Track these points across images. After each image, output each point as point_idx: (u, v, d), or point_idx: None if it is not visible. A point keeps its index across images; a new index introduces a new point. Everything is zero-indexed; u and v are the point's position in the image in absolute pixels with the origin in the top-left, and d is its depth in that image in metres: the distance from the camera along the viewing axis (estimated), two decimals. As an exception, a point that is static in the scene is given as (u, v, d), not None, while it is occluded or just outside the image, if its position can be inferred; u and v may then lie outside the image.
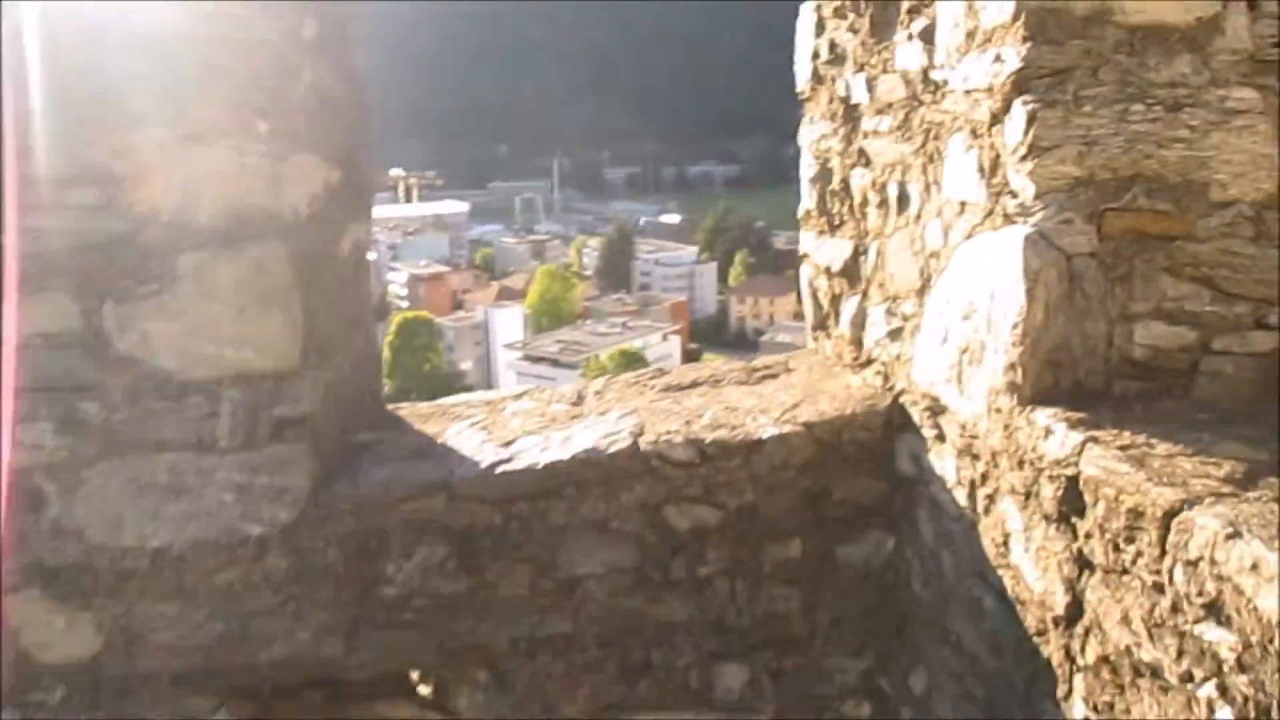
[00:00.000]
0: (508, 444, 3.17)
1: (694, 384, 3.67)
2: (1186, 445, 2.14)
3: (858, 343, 3.51)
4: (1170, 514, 1.88)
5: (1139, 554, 1.97)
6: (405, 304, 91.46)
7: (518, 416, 3.46)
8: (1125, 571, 2.03)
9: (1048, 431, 2.32)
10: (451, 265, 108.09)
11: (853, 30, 3.44)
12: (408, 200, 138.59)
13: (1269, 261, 2.49)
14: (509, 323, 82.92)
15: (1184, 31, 2.38)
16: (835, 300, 3.69)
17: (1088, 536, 2.17)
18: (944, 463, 2.90)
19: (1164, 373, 2.52)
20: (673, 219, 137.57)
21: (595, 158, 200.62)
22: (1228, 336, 2.52)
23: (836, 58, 3.57)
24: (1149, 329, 2.50)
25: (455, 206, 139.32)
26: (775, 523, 3.16)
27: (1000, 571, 2.60)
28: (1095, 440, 2.18)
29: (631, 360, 67.03)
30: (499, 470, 3.02)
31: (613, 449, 3.07)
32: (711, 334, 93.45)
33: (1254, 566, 1.65)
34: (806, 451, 3.14)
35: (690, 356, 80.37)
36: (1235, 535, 1.71)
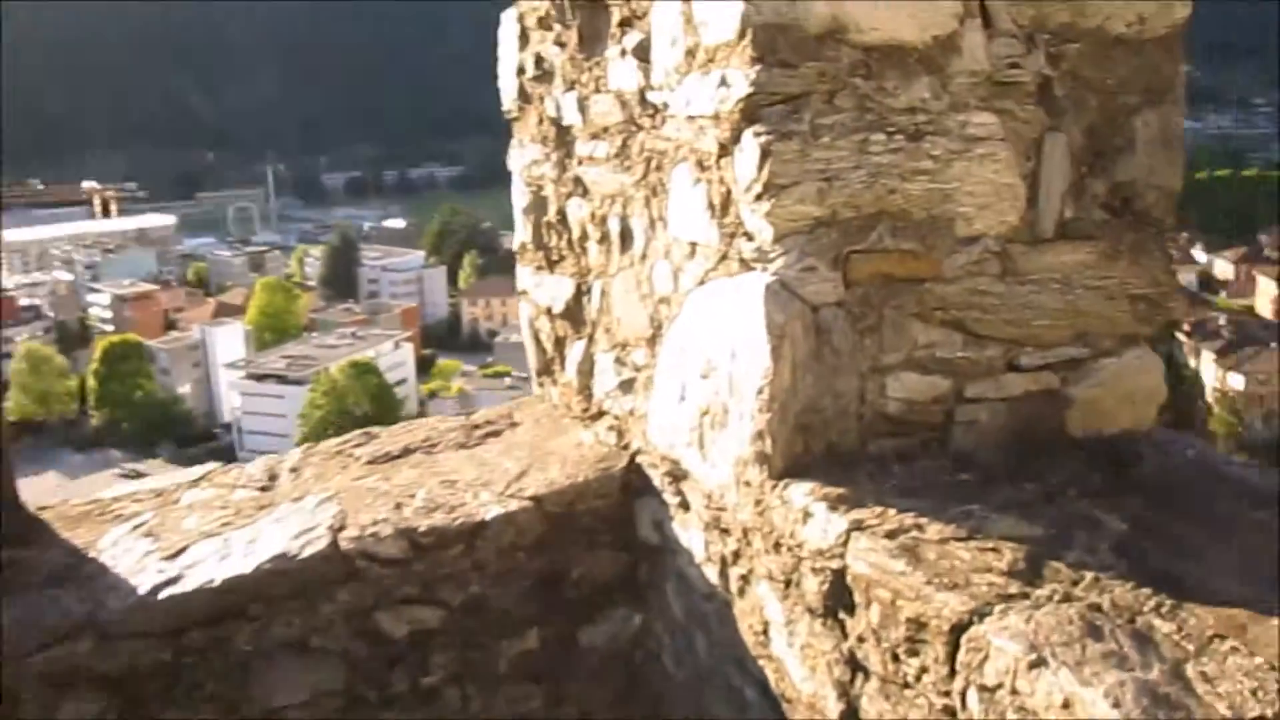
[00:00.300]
0: (177, 554, 2.58)
1: (406, 451, 3.19)
2: (959, 524, 1.89)
3: (587, 392, 3.15)
4: (958, 628, 1.60)
5: (924, 669, 1.69)
6: (110, 328, 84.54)
7: (194, 511, 2.86)
8: (908, 685, 1.74)
9: (806, 514, 2.02)
10: (161, 283, 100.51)
11: (560, 44, 3.07)
12: (105, 215, 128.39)
13: (1017, 299, 2.30)
14: (229, 340, 78.25)
15: (921, 51, 2.14)
16: (560, 344, 3.31)
17: (861, 639, 1.88)
18: (690, 534, 2.57)
19: (919, 427, 2.28)
20: (398, 223, 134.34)
21: (312, 163, 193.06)
22: (981, 382, 2.31)
23: (544, 74, 3.19)
24: (902, 381, 2.25)
25: (161, 220, 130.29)
26: (507, 614, 2.74)
27: (762, 662, 2.29)
28: (860, 527, 1.90)
29: (363, 371, 64.90)
30: (164, 595, 2.43)
31: (307, 552, 2.55)
32: (445, 338, 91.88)
33: (1066, 705, 1.38)
34: (537, 529, 2.74)
35: (424, 362, 78.96)
36: (1040, 663, 1.44)
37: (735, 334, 2.24)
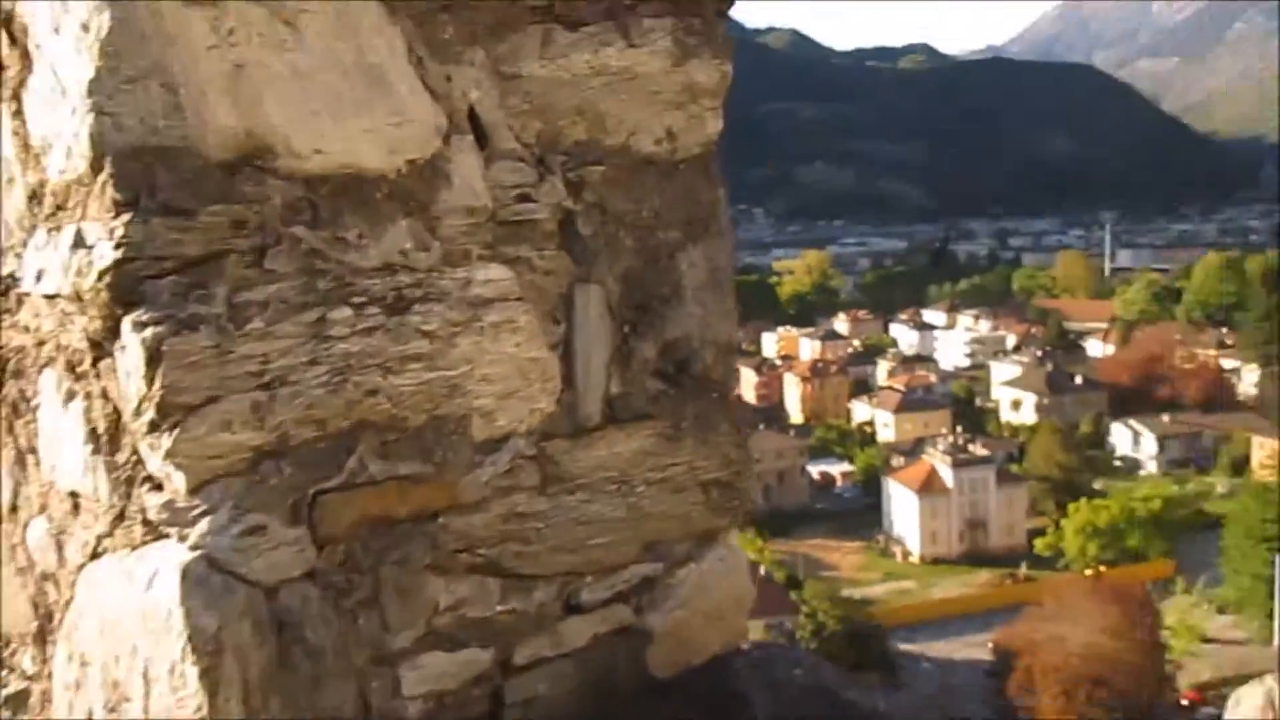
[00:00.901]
0: None
1: None
2: None
3: (-36, 708, 2.07)
4: None
5: None
6: None
7: None
8: None
9: None
10: None
11: None
12: None
13: (566, 515, 1.66)
14: None
15: (394, 183, 1.46)
16: (-81, 634, 2.19)
17: None
18: None
19: (459, 726, 1.55)
20: None
21: None
22: (534, 640, 1.64)
23: None
24: (423, 668, 1.51)
25: None
26: None
27: None
28: None
29: None
30: None
31: None
32: None
33: None
34: None
35: None
36: None
37: (145, 645, 1.37)
